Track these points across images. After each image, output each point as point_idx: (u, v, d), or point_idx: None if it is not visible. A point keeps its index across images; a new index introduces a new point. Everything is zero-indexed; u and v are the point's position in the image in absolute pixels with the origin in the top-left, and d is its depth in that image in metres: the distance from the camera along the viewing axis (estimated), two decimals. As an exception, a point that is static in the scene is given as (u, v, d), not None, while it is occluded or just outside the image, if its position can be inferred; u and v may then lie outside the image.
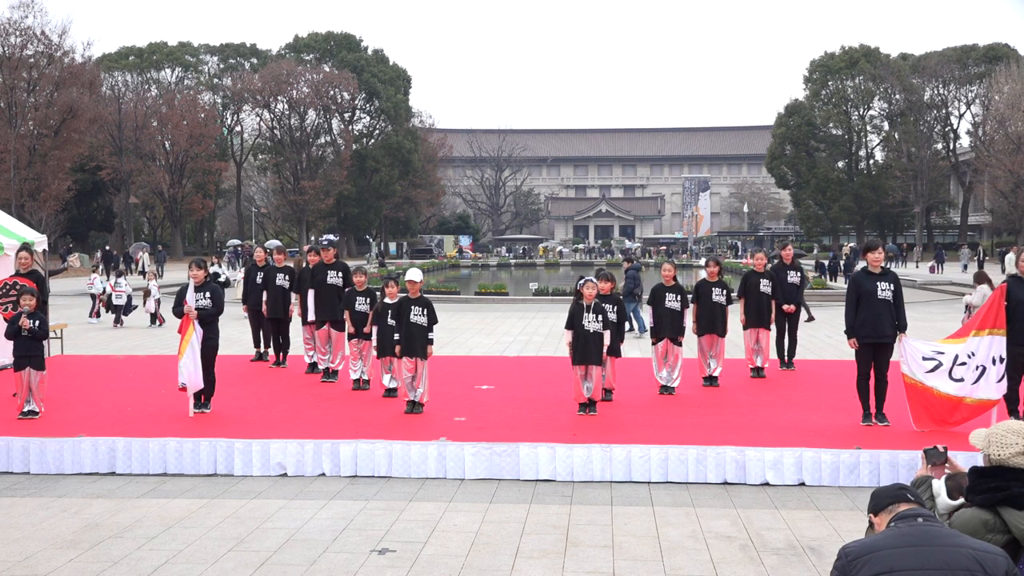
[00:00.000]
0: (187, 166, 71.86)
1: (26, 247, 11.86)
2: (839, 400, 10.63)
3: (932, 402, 8.96)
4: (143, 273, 23.92)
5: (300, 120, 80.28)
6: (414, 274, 10.19)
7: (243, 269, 34.57)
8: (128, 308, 22.80)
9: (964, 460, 6.69)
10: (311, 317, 12.65)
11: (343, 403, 10.81)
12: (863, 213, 78.21)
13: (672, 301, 11.34)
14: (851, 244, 58.84)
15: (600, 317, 9.88)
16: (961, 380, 8.86)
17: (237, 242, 59.83)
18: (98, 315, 23.45)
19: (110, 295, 22.99)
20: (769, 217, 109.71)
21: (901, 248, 64.75)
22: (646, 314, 14.63)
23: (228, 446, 8.66)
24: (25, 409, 9.84)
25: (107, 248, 47.52)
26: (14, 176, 51.31)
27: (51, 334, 14.65)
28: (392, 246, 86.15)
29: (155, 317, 22.33)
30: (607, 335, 9.98)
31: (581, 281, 10.08)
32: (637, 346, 16.02)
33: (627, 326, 19.78)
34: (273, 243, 67.26)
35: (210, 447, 8.66)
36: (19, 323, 9.89)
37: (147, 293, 22.86)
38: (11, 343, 10.07)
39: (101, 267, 35.13)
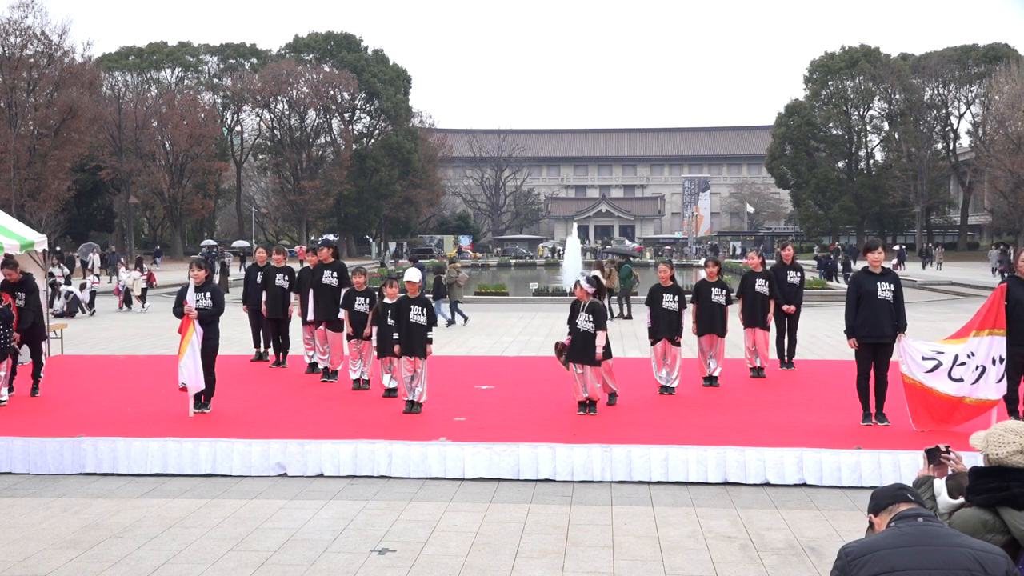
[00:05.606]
0: (187, 166, 71.88)
1: (9, 262, 11.17)
2: (839, 400, 10.64)
3: (932, 402, 8.96)
4: (75, 282, 27.13)
5: (300, 120, 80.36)
6: (413, 274, 10.26)
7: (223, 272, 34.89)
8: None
9: (965, 460, 6.67)
10: (310, 317, 12.66)
11: (343, 403, 10.82)
12: (863, 213, 78.19)
13: (669, 302, 11.36)
14: (838, 244, 58.85)
15: (592, 317, 9.93)
16: (961, 380, 8.85)
17: (212, 243, 57.97)
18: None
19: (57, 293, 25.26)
20: (769, 217, 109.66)
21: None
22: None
23: (228, 446, 8.66)
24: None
25: (58, 249, 47.57)
26: (14, 176, 51.27)
27: (51, 334, 14.81)
28: (392, 246, 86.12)
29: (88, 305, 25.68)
30: (600, 336, 10.00)
31: (575, 282, 10.25)
32: (637, 346, 16.02)
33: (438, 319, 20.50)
34: (238, 244, 65.67)
35: (210, 447, 8.66)
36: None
37: (82, 287, 26.23)
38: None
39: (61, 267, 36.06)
